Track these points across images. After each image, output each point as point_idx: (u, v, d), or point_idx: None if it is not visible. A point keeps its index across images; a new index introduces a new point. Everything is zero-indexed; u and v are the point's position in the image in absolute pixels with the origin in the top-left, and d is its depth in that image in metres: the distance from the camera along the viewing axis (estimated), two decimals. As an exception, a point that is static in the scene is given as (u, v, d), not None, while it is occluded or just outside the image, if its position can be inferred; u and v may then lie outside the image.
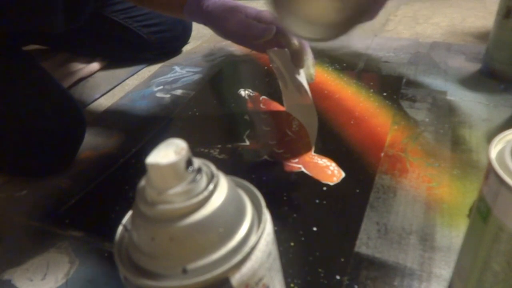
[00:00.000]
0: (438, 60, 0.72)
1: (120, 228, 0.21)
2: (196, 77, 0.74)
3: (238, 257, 0.18)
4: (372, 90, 0.63)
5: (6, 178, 0.52)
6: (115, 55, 0.85)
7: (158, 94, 0.69)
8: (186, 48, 0.90)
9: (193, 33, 0.93)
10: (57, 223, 0.44)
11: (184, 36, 0.89)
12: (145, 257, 0.18)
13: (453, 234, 0.38)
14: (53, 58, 0.84)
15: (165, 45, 0.84)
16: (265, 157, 0.51)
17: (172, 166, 0.17)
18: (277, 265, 0.21)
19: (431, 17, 0.96)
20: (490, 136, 0.50)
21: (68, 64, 0.82)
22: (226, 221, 0.18)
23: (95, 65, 0.82)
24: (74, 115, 0.55)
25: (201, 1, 0.50)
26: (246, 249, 0.18)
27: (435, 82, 0.64)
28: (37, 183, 0.50)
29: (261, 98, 0.64)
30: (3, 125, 0.50)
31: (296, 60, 0.47)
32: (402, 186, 0.44)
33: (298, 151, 0.51)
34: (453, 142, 0.50)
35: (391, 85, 0.65)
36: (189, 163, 0.18)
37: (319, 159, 0.49)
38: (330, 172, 0.47)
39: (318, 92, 0.65)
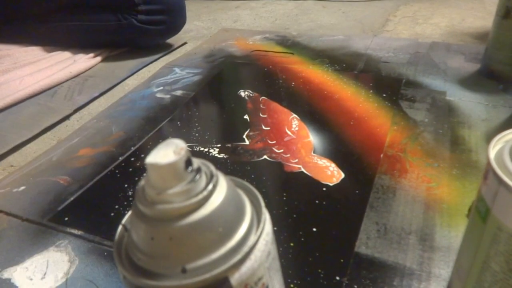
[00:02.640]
0: (437, 60, 0.72)
1: (119, 228, 0.21)
2: (196, 78, 0.74)
3: (238, 257, 0.18)
4: (371, 91, 0.64)
5: (5, 174, 0.52)
6: (103, 26, 0.84)
7: (158, 95, 0.69)
8: (186, 49, 0.91)
9: (193, 33, 0.93)
10: (56, 221, 0.44)
11: (172, 2, 0.85)
12: (144, 256, 0.18)
13: (452, 234, 0.38)
14: (54, 56, 0.84)
15: (152, 8, 0.82)
16: (265, 157, 0.51)
17: (171, 166, 0.17)
18: (276, 264, 0.21)
19: (431, 17, 0.96)
20: (489, 136, 0.50)
21: (68, 59, 0.83)
22: (226, 221, 0.18)
23: (88, 63, 0.83)
24: None
25: None
26: (245, 248, 0.18)
27: (435, 82, 0.65)
28: (36, 180, 0.50)
29: (261, 98, 0.65)
30: None
31: None
32: (401, 186, 0.44)
33: (297, 151, 0.51)
34: (452, 142, 0.50)
35: (390, 85, 0.65)
36: (188, 163, 0.18)
37: (318, 159, 0.49)
38: (329, 172, 0.47)
39: (318, 92, 0.65)
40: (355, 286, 0.33)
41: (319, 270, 0.35)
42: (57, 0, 0.82)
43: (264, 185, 0.46)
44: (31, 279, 0.37)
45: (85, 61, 0.83)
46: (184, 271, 0.17)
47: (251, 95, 0.66)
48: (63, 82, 0.77)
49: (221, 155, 0.52)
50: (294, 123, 0.57)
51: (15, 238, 0.42)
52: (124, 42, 0.87)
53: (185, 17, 0.89)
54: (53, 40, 0.87)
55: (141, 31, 0.83)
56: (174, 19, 0.87)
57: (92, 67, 0.83)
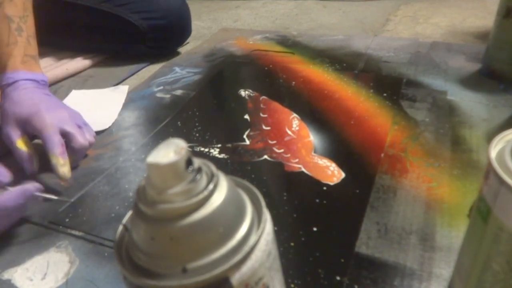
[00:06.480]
0: (438, 60, 0.72)
1: (120, 228, 0.21)
2: (196, 77, 0.74)
3: (238, 257, 0.18)
4: (372, 90, 0.63)
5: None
6: (111, 48, 0.86)
7: (158, 95, 0.69)
8: (186, 49, 0.91)
9: (193, 33, 0.93)
10: (57, 222, 0.44)
11: (180, 27, 0.86)
12: (145, 256, 0.18)
13: (453, 234, 0.38)
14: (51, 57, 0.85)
15: (159, 35, 0.83)
16: (265, 157, 0.51)
17: (172, 166, 0.17)
18: (277, 264, 0.21)
19: (431, 17, 0.96)
20: (490, 136, 0.50)
21: (64, 60, 0.83)
22: (226, 221, 0.18)
23: (86, 62, 0.83)
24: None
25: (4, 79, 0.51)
26: (246, 248, 0.18)
27: (435, 82, 0.64)
28: (36, 179, 0.50)
29: (261, 98, 0.65)
30: None
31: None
32: (402, 186, 0.44)
33: (298, 151, 0.51)
34: (453, 142, 0.50)
35: (391, 85, 0.65)
36: (189, 162, 0.18)
37: (319, 159, 0.49)
38: (330, 172, 0.47)
39: (319, 92, 0.65)
40: (356, 286, 0.33)
41: (320, 270, 0.35)
42: (70, 22, 0.84)
43: (264, 185, 0.46)
44: (31, 280, 0.37)
45: (82, 59, 0.83)
46: (184, 271, 0.17)
47: (251, 94, 0.66)
48: (60, 80, 0.77)
49: (222, 155, 0.52)
50: (295, 122, 0.57)
51: (15, 239, 0.42)
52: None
53: (190, 32, 0.91)
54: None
55: (148, 53, 0.85)
56: (180, 40, 0.90)
57: (90, 66, 0.83)
